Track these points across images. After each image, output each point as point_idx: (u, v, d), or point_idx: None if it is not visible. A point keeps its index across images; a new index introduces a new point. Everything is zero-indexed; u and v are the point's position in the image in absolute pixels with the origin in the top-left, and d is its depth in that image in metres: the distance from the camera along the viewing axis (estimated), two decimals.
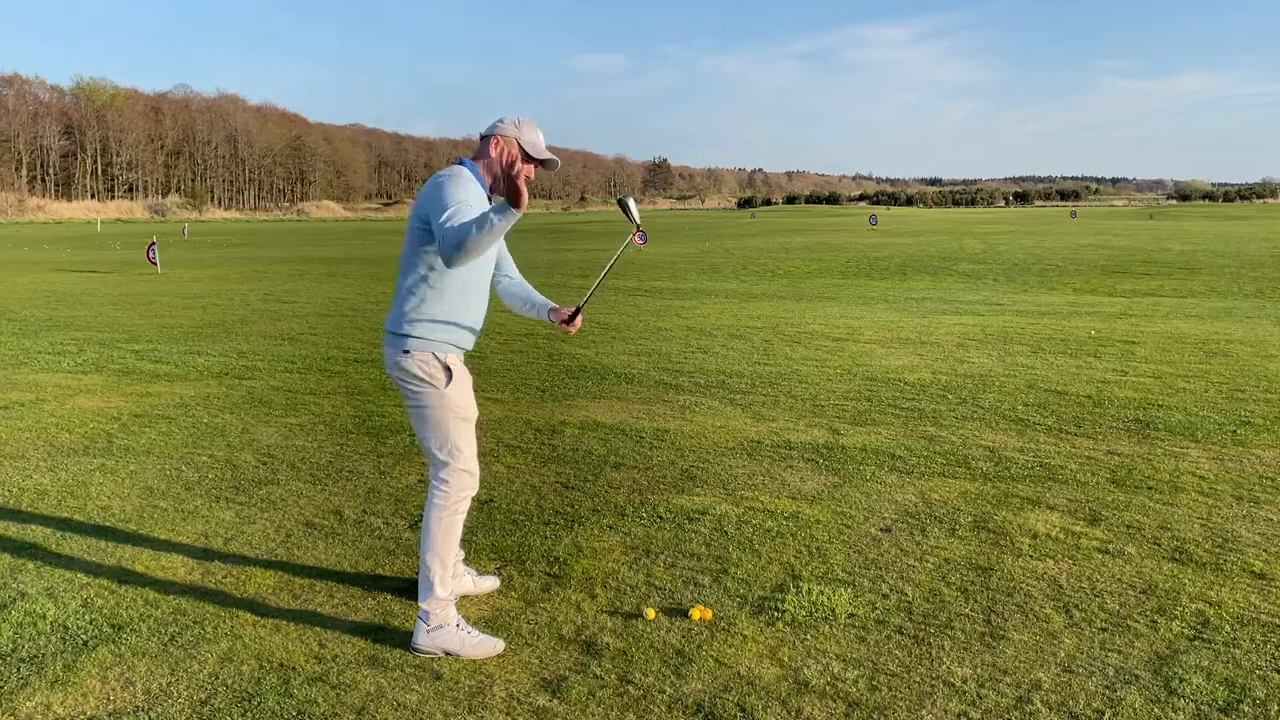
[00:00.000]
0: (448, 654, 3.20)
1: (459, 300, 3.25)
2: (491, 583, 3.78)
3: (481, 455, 3.84)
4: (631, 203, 3.46)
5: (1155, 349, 9.63)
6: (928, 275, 22.15)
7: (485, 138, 3.32)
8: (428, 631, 3.21)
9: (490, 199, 3.28)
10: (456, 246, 2.90)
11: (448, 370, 3.23)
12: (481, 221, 2.84)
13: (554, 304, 3.55)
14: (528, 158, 3.30)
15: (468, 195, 3.10)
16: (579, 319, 3.49)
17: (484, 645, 3.22)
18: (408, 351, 3.21)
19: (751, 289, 18.25)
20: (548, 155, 3.33)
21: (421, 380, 3.23)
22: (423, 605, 3.24)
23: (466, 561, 3.86)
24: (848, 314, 13.25)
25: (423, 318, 3.20)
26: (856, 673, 3.07)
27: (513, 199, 2.81)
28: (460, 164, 3.30)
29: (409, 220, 3.23)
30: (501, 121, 3.31)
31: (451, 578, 3.30)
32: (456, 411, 3.28)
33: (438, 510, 3.29)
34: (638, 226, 3.58)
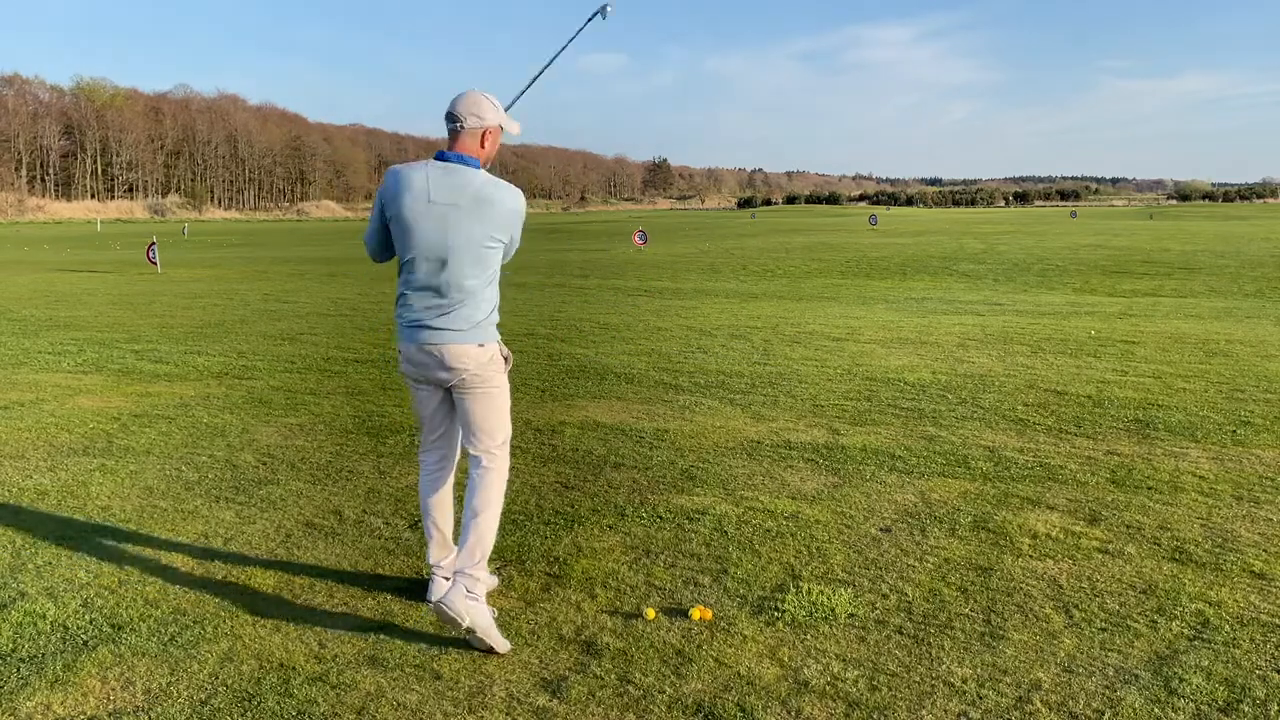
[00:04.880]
0: (469, 628, 3.14)
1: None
2: (491, 582, 3.78)
3: None
4: None
5: (1155, 349, 9.63)
6: (928, 275, 22.16)
7: (478, 131, 3.36)
8: (467, 595, 3.18)
9: None
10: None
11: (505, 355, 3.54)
12: None
13: None
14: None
15: None
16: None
17: (498, 636, 3.22)
18: (482, 345, 3.40)
19: (751, 289, 18.25)
20: (518, 136, 3.61)
21: (497, 369, 3.47)
22: (473, 572, 3.25)
23: None
24: (848, 314, 13.25)
25: (494, 316, 3.46)
26: (856, 673, 3.07)
27: None
28: (471, 165, 3.37)
29: (471, 228, 3.29)
30: (484, 111, 3.35)
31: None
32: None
33: (501, 483, 3.49)
34: None
